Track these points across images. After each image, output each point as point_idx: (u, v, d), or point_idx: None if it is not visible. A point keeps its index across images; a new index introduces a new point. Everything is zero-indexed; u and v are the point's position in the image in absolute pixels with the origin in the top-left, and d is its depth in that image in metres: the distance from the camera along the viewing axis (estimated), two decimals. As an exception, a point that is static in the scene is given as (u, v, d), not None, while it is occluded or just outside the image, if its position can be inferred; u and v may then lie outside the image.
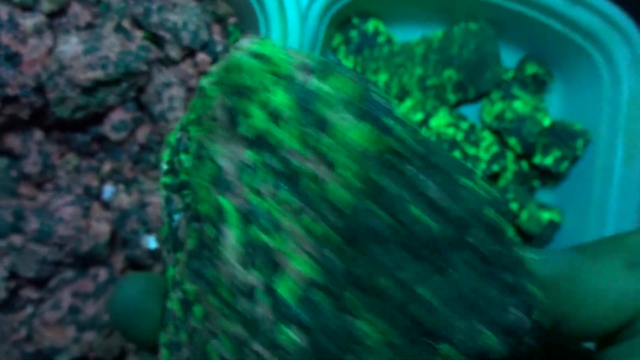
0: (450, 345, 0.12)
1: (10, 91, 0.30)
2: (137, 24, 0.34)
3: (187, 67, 0.35)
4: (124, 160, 0.35)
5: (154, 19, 0.34)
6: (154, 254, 0.33)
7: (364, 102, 0.12)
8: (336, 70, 0.13)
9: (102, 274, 0.33)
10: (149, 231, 0.33)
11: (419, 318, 0.12)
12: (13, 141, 0.32)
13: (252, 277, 0.12)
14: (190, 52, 0.35)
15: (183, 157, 0.15)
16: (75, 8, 0.34)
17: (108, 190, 0.35)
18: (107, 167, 0.34)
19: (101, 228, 0.33)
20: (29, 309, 0.33)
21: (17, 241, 0.32)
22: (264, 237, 0.12)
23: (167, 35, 0.34)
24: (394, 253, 0.12)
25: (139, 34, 0.34)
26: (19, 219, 0.31)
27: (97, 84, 0.31)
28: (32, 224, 0.31)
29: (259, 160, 0.13)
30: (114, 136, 0.34)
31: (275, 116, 0.13)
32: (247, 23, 0.36)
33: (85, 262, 0.33)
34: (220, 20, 0.36)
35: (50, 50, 0.32)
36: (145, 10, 0.34)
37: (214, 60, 0.36)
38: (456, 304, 0.12)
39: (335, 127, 0.12)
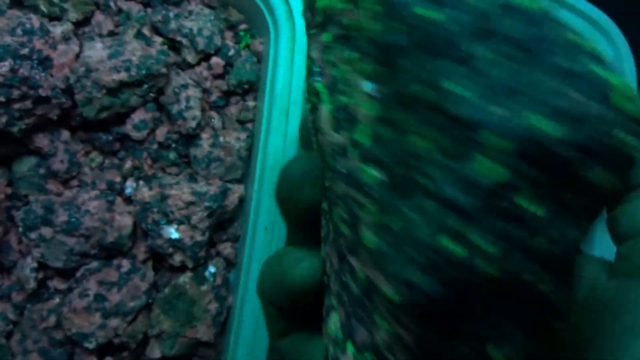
0: (489, 131, 0.11)
1: (42, 92, 0.32)
2: (156, 30, 0.37)
3: (202, 69, 0.38)
4: (144, 157, 0.37)
5: (172, 25, 0.37)
6: (175, 244, 0.35)
7: None
8: None
9: (125, 264, 0.35)
10: (170, 222, 0.35)
11: (452, 112, 0.11)
12: (42, 140, 0.35)
13: (341, 137, 0.14)
14: (205, 56, 0.38)
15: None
16: (99, 17, 0.37)
17: (130, 185, 0.37)
18: (128, 164, 0.37)
19: (124, 221, 0.35)
20: (57, 299, 0.35)
21: (47, 233, 0.34)
22: (342, 99, 0.14)
23: (184, 41, 0.37)
24: (413, 58, 0.12)
25: (158, 39, 0.36)
26: (48, 212, 0.34)
27: (121, 85, 0.34)
28: (61, 216, 0.33)
29: (330, 36, 0.15)
30: (135, 135, 0.36)
31: None
32: (257, 29, 0.39)
33: (109, 253, 0.35)
34: (232, 26, 0.39)
35: (78, 56, 0.34)
36: (164, 18, 0.37)
37: (227, 63, 0.38)
38: (491, 91, 0.11)
39: None
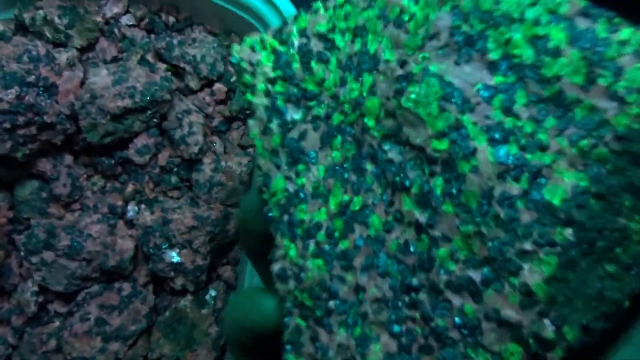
0: None
1: (47, 118, 0.33)
2: (160, 57, 0.37)
3: (204, 95, 0.38)
4: (145, 181, 0.37)
5: (175, 52, 0.37)
6: (177, 267, 0.35)
7: None
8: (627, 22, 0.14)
9: (126, 287, 0.35)
10: (172, 246, 0.35)
11: None
12: (45, 165, 0.35)
13: (513, 188, 0.14)
14: (207, 82, 0.38)
15: (315, 65, 0.17)
16: (103, 43, 0.37)
17: (131, 209, 0.37)
18: (130, 188, 0.37)
19: (126, 244, 0.35)
20: (57, 323, 0.35)
21: (48, 257, 0.34)
22: (527, 155, 0.14)
23: (187, 67, 0.37)
24: None
25: (161, 66, 0.37)
26: (50, 235, 0.34)
27: (125, 111, 0.34)
28: (63, 240, 0.34)
29: (514, 85, 0.14)
30: (137, 159, 0.36)
31: (552, 52, 0.14)
32: (259, 55, 0.39)
33: (110, 276, 0.35)
34: (234, 53, 0.40)
35: (82, 82, 0.35)
36: (167, 45, 0.37)
37: (229, 89, 0.39)
38: None
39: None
